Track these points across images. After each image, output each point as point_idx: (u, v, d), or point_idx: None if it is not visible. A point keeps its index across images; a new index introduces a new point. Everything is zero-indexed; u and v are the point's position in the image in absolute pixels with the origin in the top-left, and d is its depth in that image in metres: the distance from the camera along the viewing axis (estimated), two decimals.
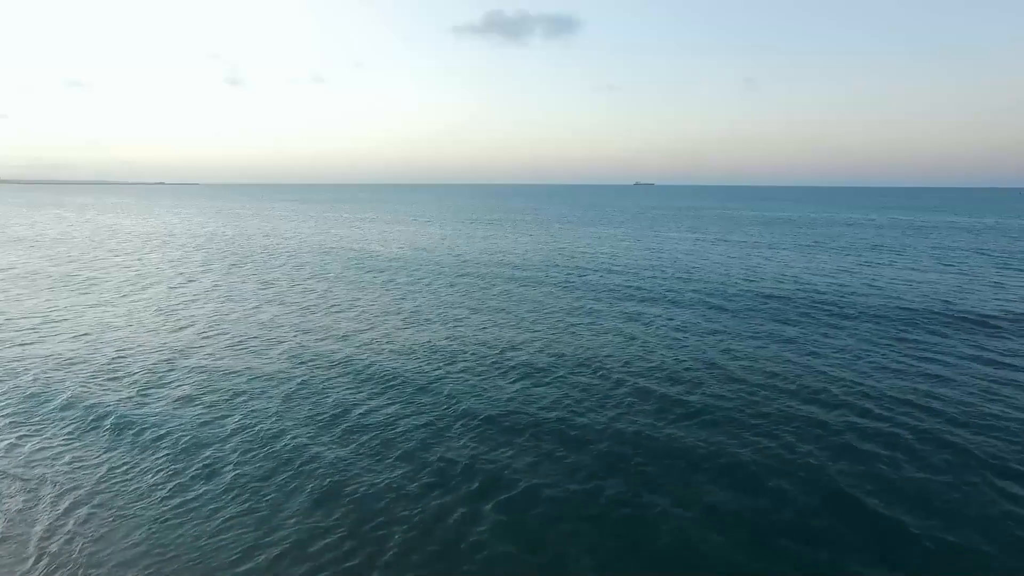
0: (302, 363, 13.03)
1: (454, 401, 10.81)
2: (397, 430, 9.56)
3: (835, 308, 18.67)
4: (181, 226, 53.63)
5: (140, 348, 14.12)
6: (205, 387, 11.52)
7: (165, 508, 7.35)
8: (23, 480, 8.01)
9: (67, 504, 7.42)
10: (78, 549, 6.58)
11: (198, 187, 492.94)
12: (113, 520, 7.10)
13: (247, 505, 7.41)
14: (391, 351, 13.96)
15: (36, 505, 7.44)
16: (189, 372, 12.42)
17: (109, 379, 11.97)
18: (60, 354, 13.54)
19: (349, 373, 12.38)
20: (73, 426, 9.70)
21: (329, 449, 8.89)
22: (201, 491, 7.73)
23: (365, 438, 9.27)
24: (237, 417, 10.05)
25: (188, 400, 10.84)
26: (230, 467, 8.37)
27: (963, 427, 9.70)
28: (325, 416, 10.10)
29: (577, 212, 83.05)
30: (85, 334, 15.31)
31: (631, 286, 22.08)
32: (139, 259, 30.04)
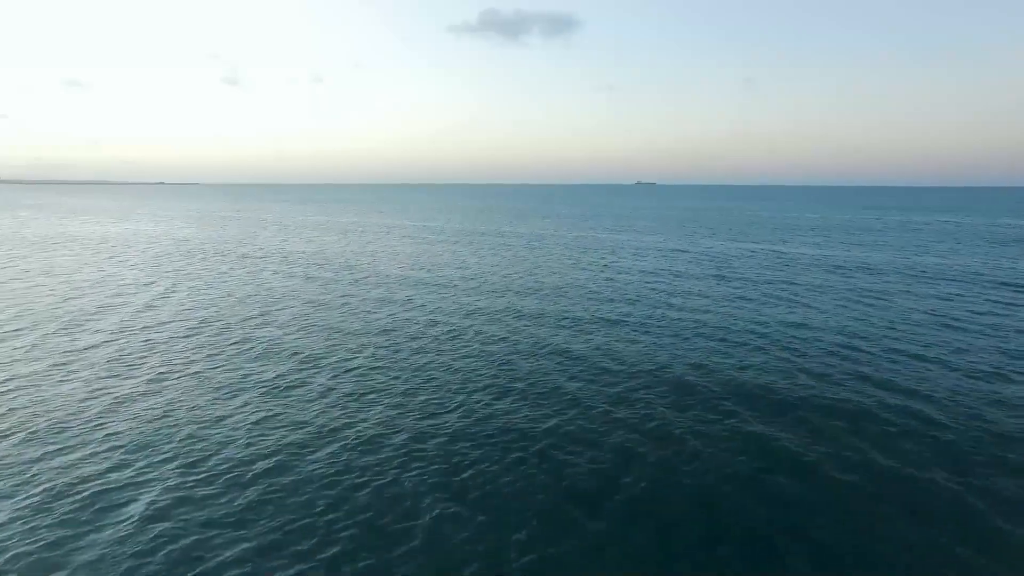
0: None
1: None
2: None
3: None
4: (148, 234, 46.49)
5: None
6: None
7: None
8: None
9: None
10: None
11: (198, 187, 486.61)
12: None
13: None
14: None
15: None
16: None
17: None
18: None
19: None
20: None
21: None
22: None
23: None
24: None
25: None
26: None
27: None
28: None
29: (590, 215, 75.82)
30: None
31: (729, 354, 14.28)
32: (57, 283, 22.90)
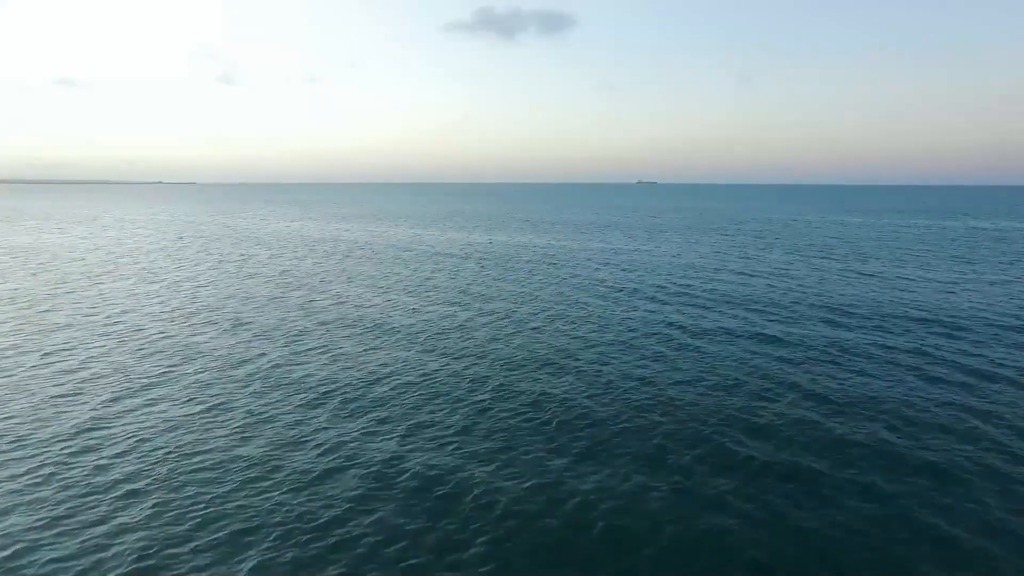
0: None
1: None
2: None
3: None
4: (86, 247, 38.58)
5: None
6: None
7: None
8: None
9: None
10: None
11: (195, 186, 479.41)
12: None
13: None
14: None
15: None
16: None
17: None
18: None
19: None
20: None
21: None
22: None
23: None
24: None
25: None
26: None
27: None
28: None
29: (605, 224, 67.96)
30: None
31: None
32: None
